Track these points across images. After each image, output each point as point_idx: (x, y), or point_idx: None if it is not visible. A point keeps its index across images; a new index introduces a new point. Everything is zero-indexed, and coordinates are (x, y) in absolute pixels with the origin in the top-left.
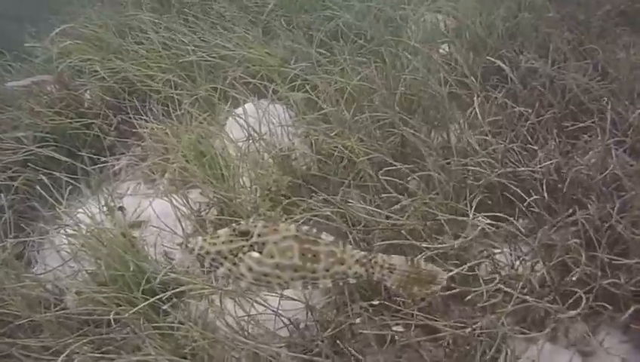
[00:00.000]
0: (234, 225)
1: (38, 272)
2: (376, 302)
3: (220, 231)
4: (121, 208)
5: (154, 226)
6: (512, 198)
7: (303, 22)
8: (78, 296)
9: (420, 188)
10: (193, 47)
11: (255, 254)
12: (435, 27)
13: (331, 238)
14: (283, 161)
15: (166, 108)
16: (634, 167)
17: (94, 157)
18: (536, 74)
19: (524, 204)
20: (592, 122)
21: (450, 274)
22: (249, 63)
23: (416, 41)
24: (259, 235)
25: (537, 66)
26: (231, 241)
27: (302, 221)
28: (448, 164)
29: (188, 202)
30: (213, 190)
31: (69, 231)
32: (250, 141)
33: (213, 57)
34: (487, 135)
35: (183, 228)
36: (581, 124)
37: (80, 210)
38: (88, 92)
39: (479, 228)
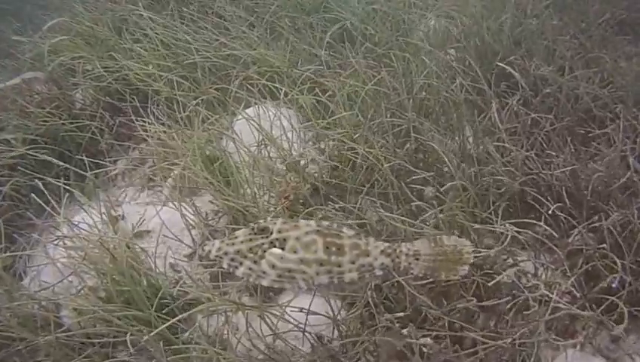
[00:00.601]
0: (252, 224)
1: (30, 287)
2: (401, 314)
3: (238, 232)
4: (120, 216)
5: (165, 236)
6: (535, 205)
7: (307, 23)
8: (80, 314)
9: (436, 196)
10: (196, 47)
11: (277, 250)
12: (441, 32)
13: (353, 232)
14: (296, 167)
15: (168, 109)
16: None
17: (90, 161)
18: (544, 81)
19: (549, 211)
20: (606, 130)
21: (474, 252)
22: (254, 65)
23: (425, 45)
24: (279, 231)
25: (546, 73)
26: (250, 240)
27: None
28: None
29: (197, 210)
30: (225, 197)
31: (68, 243)
32: (262, 146)
33: (217, 58)
34: (504, 142)
35: (192, 238)
36: (597, 132)
37: (77, 219)
38: (80, 92)
39: (509, 235)
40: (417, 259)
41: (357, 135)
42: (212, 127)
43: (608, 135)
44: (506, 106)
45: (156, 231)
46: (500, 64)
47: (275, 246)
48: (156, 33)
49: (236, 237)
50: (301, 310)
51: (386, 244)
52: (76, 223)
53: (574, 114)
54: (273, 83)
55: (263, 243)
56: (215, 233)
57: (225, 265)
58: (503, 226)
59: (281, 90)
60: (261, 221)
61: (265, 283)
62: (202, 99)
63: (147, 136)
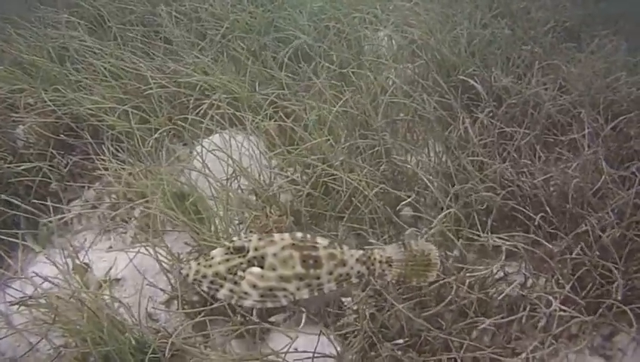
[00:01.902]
0: (226, 243)
1: None
2: (401, 341)
3: (214, 252)
4: (86, 265)
5: (150, 283)
6: (517, 216)
7: (260, 45)
8: None
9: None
10: (149, 75)
11: (256, 269)
12: (398, 47)
13: (327, 241)
14: (273, 199)
15: (125, 144)
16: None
17: (41, 204)
18: (505, 91)
19: (534, 222)
20: (573, 136)
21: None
22: (213, 91)
23: (388, 62)
24: (256, 249)
25: (506, 84)
26: (227, 260)
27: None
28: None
29: (170, 251)
30: (201, 237)
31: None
32: (232, 177)
33: (172, 86)
34: (479, 155)
35: (169, 282)
36: (570, 137)
37: (31, 272)
38: (23, 128)
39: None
40: (390, 266)
41: (337, 162)
42: (176, 160)
43: (574, 140)
44: (473, 119)
45: (126, 278)
46: (462, 77)
47: (253, 265)
48: (104, 62)
49: (212, 258)
50: (296, 350)
51: (360, 252)
52: (33, 276)
53: (537, 122)
54: (234, 109)
55: (241, 263)
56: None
57: (205, 288)
58: (492, 240)
59: (246, 116)
60: (235, 239)
61: (247, 303)
62: (165, 132)
63: (106, 174)
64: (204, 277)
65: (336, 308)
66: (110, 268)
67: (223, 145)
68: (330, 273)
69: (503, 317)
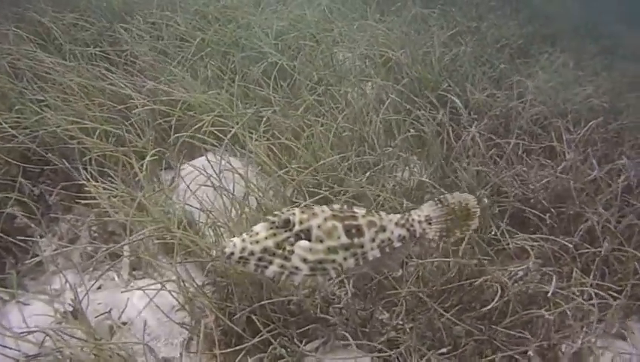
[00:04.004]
0: (269, 217)
1: None
2: (444, 350)
3: (256, 227)
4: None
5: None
6: (532, 219)
7: (230, 63)
8: None
9: None
10: (126, 94)
11: (304, 243)
12: (373, 65)
13: (364, 210)
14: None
15: (104, 169)
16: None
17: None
18: (480, 105)
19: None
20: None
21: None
22: (190, 110)
23: (363, 78)
24: (301, 222)
25: (480, 98)
26: (274, 235)
27: None
28: None
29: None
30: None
31: None
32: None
33: (149, 104)
34: (476, 165)
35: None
36: (554, 144)
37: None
38: None
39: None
40: (429, 224)
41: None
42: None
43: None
44: (455, 132)
45: (134, 321)
46: (441, 92)
47: (300, 239)
48: (70, 80)
49: (257, 234)
50: None
51: (398, 216)
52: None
53: (512, 132)
54: (223, 127)
55: (289, 237)
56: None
57: (252, 267)
58: (514, 243)
59: (243, 135)
60: (277, 212)
61: (297, 279)
62: (153, 155)
63: (85, 203)
64: (252, 254)
65: (375, 326)
66: (110, 311)
67: (214, 166)
68: (373, 240)
69: (551, 310)
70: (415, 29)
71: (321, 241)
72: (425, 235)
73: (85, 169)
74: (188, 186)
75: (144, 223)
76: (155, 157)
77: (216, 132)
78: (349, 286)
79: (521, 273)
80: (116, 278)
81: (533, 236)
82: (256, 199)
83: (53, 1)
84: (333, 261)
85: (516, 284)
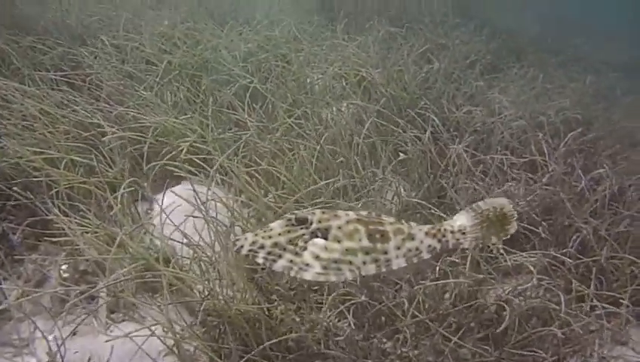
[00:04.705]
0: (287, 215)
1: None
2: None
3: (273, 224)
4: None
5: None
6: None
7: (201, 86)
8: None
9: None
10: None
11: (320, 240)
12: (348, 85)
13: (393, 218)
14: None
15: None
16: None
17: None
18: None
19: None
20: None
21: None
22: (164, 137)
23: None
24: (319, 221)
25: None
26: (289, 231)
27: None
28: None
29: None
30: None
31: None
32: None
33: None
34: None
35: None
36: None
37: None
38: None
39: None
40: (464, 234)
41: None
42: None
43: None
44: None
45: None
46: (419, 110)
47: (317, 237)
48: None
49: (272, 230)
50: None
51: (429, 226)
52: None
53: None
54: (199, 154)
55: (303, 234)
56: None
57: (260, 260)
58: (512, 260)
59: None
60: (297, 212)
61: (308, 276)
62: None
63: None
64: (262, 247)
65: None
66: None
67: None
68: (399, 247)
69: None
70: (385, 47)
71: (339, 241)
72: (459, 246)
73: (53, 203)
74: (169, 218)
75: (121, 261)
76: (132, 188)
77: (196, 160)
78: (349, 316)
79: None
80: (94, 322)
81: (532, 252)
82: (242, 228)
83: (7, 23)
84: (350, 263)
85: (521, 301)
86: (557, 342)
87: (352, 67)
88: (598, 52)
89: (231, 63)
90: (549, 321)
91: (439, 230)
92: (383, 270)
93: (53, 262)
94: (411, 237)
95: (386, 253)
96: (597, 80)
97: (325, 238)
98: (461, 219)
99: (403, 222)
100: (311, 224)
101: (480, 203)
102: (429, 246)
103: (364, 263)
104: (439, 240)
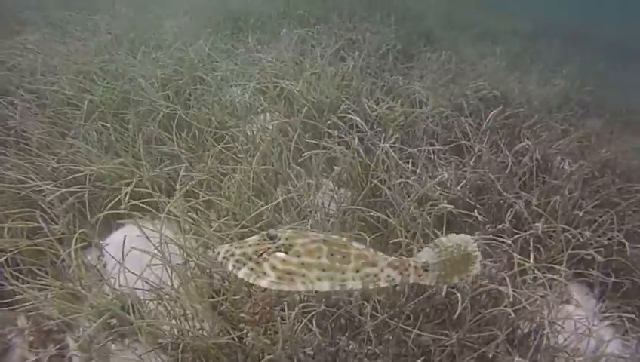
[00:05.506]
0: (263, 232)
1: None
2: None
3: (250, 238)
4: None
5: None
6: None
7: (125, 121)
8: None
9: None
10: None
11: (280, 254)
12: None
13: (362, 246)
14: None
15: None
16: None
17: None
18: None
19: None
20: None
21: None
22: (101, 181)
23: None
24: (287, 238)
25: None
26: (257, 244)
27: None
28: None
29: None
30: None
31: None
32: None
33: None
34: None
35: None
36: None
37: None
38: None
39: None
40: (426, 271)
41: None
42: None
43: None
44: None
45: None
46: (341, 114)
47: (280, 251)
48: None
49: (246, 242)
50: None
51: (394, 258)
52: None
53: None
54: (137, 195)
55: (269, 248)
56: None
57: (230, 266)
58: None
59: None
60: (271, 230)
61: (263, 283)
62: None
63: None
64: (232, 255)
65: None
66: None
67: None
68: (357, 270)
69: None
70: (299, 51)
71: (298, 256)
72: (419, 282)
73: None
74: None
75: (88, 315)
76: (84, 243)
77: (139, 204)
78: (314, 326)
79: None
80: None
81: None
82: (195, 263)
83: None
84: (304, 275)
85: (471, 286)
86: (508, 317)
87: (270, 80)
88: (503, 22)
89: (150, 93)
90: (498, 299)
91: (402, 264)
92: (337, 288)
93: (14, 330)
94: (372, 264)
95: (343, 273)
96: (507, 50)
97: (286, 253)
98: (426, 256)
99: (371, 250)
100: (278, 240)
101: (444, 239)
102: (389, 276)
103: (319, 279)
104: (400, 273)
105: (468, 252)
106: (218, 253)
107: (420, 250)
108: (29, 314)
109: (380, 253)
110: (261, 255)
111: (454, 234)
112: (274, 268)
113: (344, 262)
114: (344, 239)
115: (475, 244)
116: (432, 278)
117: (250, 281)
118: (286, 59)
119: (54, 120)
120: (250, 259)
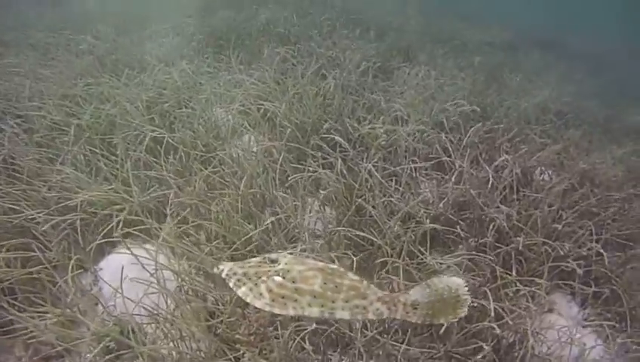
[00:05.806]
0: (265, 255)
1: None
2: None
3: (252, 259)
4: None
5: None
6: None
7: (112, 146)
8: None
9: None
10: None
11: (278, 278)
12: (252, 119)
13: (357, 277)
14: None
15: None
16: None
17: None
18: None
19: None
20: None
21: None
22: (92, 207)
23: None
24: (286, 264)
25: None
26: (259, 266)
27: None
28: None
29: None
30: None
31: None
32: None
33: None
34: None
35: None
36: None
37: None
38: None
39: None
40: (415, 309)
41: None
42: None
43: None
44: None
45: None
46: (323, 135)
47: (278, 275)
48: None
49: (248, 262)
50: None
51: (386, 293)
52: None
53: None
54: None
55: (268, 271)
56: None
57: (231, 284)
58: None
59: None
60: (273, 254)
61: (258, 304)
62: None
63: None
64: (235, 274)
65: None
66: None
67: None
68: (347, 301)
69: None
70: (280, 70)
71: (293, 282)
72: (407, 318)
73: None
74: (120, 292)
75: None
76: (80, 270)
77: (132, 231)
78: (306, 344)
79: None
80: None
81: (455, 254)
82: (189, 287)
83: None
84: (296, 300)
85: None
86: (493, 330)
87: (253, 102)
88: (482, 34)
89: (136, 116)
90: (483, 312)
91: (392, 299)
92: (326, 316)
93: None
94: (363, 297)
95: (333, 301)
96: (486, 61)
97: (284, 277)
98: (417, 295)
99: (364, 282)
100: (278, 264)
101: (436, 280)
102: (377, 309)
103: (309, 305)
104: (389, 308)
105: (458, 294)
106: (222, 270)
107: (408, 287)
108: (29, 341)
109: (373, 287)
110: (260, 277)
111: (446, 277)
112: (270, 290)
113: (336, 291)
114: (341, 269)
115: (467, 288)
116: (419, 316)
117: (247, 301)
118: (267, 80)
119: (43, 145)
120: (250, 279)
